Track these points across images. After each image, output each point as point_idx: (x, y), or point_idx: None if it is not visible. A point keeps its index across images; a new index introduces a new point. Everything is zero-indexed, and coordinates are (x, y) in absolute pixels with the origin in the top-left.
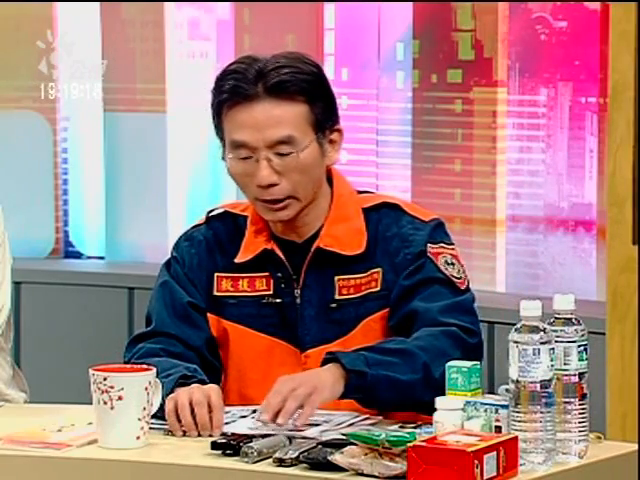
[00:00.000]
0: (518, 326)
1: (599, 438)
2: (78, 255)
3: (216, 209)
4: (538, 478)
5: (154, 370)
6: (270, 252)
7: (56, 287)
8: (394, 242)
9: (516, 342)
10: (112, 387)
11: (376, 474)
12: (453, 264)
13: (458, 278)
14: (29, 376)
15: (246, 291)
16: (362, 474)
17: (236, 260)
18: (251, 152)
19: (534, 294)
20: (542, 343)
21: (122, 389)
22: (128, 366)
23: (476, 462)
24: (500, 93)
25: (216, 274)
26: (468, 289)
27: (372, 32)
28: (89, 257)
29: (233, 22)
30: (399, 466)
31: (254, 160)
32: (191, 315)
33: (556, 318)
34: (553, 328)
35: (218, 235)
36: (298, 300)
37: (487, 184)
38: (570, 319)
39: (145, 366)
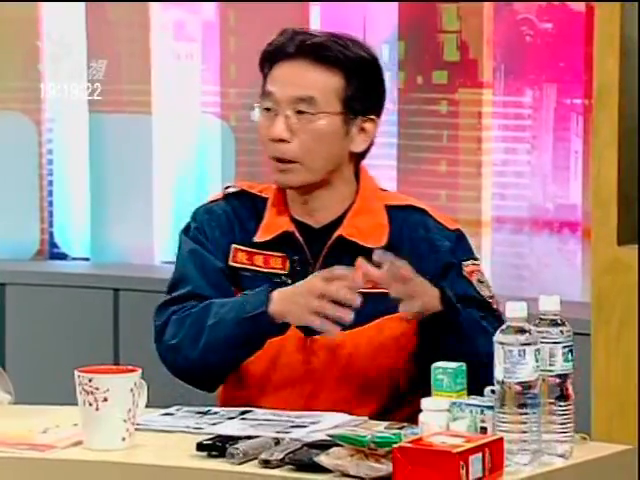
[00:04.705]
0: (503, 327)
1: (584, 439)
2: (63, 256)
3: (232, 186)
4: (523, 479)
5: (139, 371)
6: (290, 234)
7: (41, 288)
8: (422, 246)
9: (501, 343)
10: (97, 388)
11: (362, 475)
12: (483, 282)
13: (491, 297)
14: (14, 377)
15: (260, 266)
16: (348, 475)
17: (255, 239)
18: (274, 104)
19: (519, 295)
20: (527, 344)
21: (107, 390)
22: (114, 367)
23: (462, 463)
24: (485, 94)
25: (233, 245)
26: (498, 311)
27: (357, 33)
28: (74, 258)
29: (219, 23)
30: (385, 467)
31: (274, 114)
32: (223, 283)
33: (541, 319)
34: (538, 329)
35: (237, 211)
36: None
37: (472, 185)
38: (555, 320)
39: (130, 367)
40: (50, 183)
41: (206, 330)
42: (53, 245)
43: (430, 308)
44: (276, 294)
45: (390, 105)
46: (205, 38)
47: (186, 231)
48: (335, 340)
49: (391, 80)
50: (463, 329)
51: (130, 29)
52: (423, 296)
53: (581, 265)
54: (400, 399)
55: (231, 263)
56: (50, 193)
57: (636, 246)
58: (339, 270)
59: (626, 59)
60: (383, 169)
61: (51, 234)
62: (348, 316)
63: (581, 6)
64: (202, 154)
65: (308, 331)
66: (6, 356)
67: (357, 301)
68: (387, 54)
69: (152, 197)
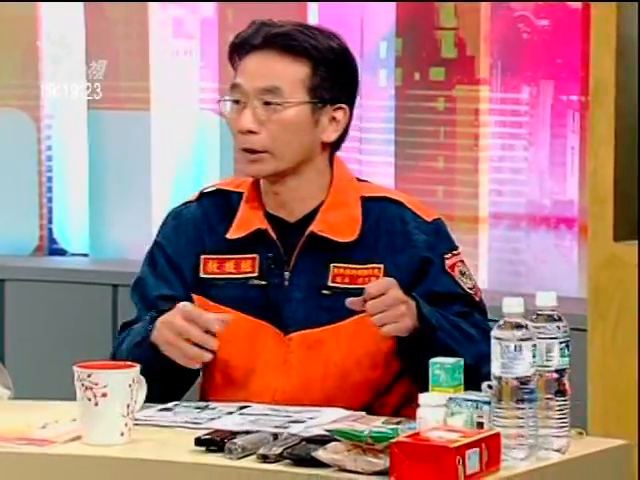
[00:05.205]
0: (500, 323)
1: (581, 434)
2: (62, 252)
3: (210, 186)
4: (520, 474)
5: (138, 367)
6: (263, 232)
7: (40, 284)
8: (399, 240)
9: (498, 338)
10: (96, 384)
11: (359, 470)
12: (465, 273)
13: (472, 288)
14: (13, 372)
15: (232, 273)
16: (345, 470)
17: (227, 236)
18: (242, 96)
19: (516, 291)
20: (524, 340)
21: (106, 386)
22: (112, 363)
23: (459, 458)
24: (482, 91)
25: (202, 256)
26: (482, 301)
27: (355, 30)
28: (73, 254)
29: (217, 21)
30: (382, 462)
31: (242, 106)
32: (160, 308)
33: (538, 315)
34: (535, 325)
35: (207, 214)
36: (286, 282)
37: (469, 181)
38: (552, 316)
39: (129, 363)
40: (49, 179)
41: (122, 355)
42: (52, 241)
43: (410, 327)
44: (159, 320)
45: (387, 102)
46: (203, 35)
47: (151, 247)
48: (313, 337)
49: (388, 77)
50: (441, 344)
51: (128, 26)
52: (405, 318)
53: (578, 261)
54: (383, 392)
55: (202, 275)
56: (49, 189)
57: (633, 242)
58: (198, 314)
59: (622, 58)
60: (380, 166)
61: (50, 230)
62: (202, 355)
63: (578, 4)
64: (200, 151)
65: (286, 329)
66: (5, 351)
67: (211, 344)
68: (384, 51)
69: (151, 193)
